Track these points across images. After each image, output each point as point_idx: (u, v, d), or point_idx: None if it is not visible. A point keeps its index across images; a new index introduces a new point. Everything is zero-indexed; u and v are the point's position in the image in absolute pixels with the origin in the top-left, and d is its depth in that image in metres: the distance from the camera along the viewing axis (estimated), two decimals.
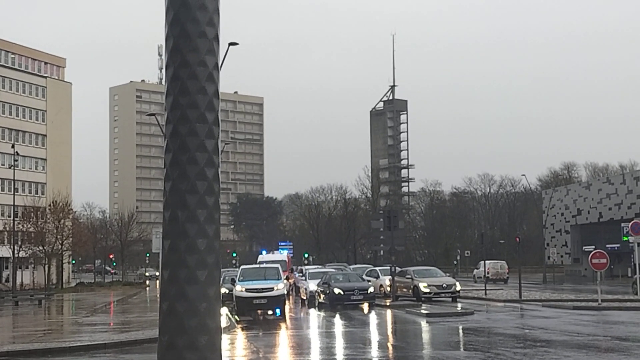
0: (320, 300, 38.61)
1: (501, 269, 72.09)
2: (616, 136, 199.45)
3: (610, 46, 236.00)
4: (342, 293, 37.08)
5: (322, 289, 38.77)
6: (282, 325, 29.75)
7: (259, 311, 34.19)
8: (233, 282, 35.27)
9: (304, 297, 43.10)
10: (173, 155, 3.32)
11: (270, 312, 33.91)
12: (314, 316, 34.67)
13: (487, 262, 54.35)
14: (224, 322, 27.59)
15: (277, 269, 36.51)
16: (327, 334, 26.63)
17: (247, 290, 33.44)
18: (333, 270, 47.09)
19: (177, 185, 3.29)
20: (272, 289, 33.27)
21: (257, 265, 40.68)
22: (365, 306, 37.28)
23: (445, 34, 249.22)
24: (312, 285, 41.73)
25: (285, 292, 35.79)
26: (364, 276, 44.58)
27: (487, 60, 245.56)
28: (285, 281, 37.27)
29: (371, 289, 38.56)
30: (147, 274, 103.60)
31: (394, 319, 31.25)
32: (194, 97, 3.32)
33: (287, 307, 35.39)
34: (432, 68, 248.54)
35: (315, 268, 52.85)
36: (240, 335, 26.08)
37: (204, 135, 3.32)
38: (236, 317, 32.28)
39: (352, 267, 58.92)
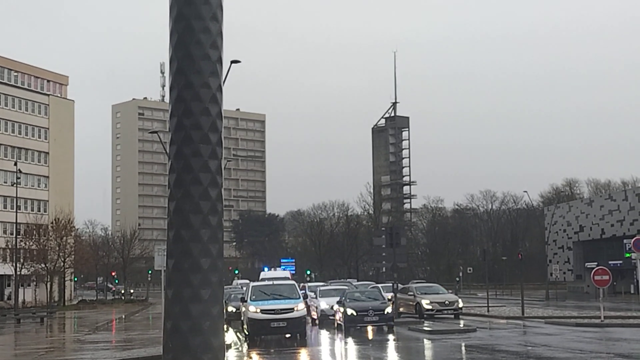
0: (337, 322, 34.65)
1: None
2: (618, 153, 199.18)
3: (612, 63, 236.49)
4: (354, 314, 32.89)
5: (339, 308, 34.76)
6: (288, 342, 29.53)
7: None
8: (243, 300, 31.34)
9: (315, 317, 39.89)
10: (177, 175, 3.36)
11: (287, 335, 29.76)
12: (318, 334, 34.42)
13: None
14: (229, 341, 27.35)
15: (293, 286, 32.48)
16: (329, 352, 26.55)
17: (262, 311, 29.10)
18: (343, 287, 43.25)
19: (181, 205, 3.33)
20: (292, 309, 29.05)
21: (270, 283, 34.94)
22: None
23: (446, 52, 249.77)
24: (324, 304, 38.99)
25: (306, 313, 31.63)
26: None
27: (488, 78, 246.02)
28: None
29: (388, 309, 34.02)
30: None
31: (396, 336, 31.10)
32: (197, 119, 3.36)
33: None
34: (434, 84, 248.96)
35: (325, 285, 49.35)
36: (246, 354, 26.00)
37: (207, 156, 3.36)
38: (240, 336, 31.83)
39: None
